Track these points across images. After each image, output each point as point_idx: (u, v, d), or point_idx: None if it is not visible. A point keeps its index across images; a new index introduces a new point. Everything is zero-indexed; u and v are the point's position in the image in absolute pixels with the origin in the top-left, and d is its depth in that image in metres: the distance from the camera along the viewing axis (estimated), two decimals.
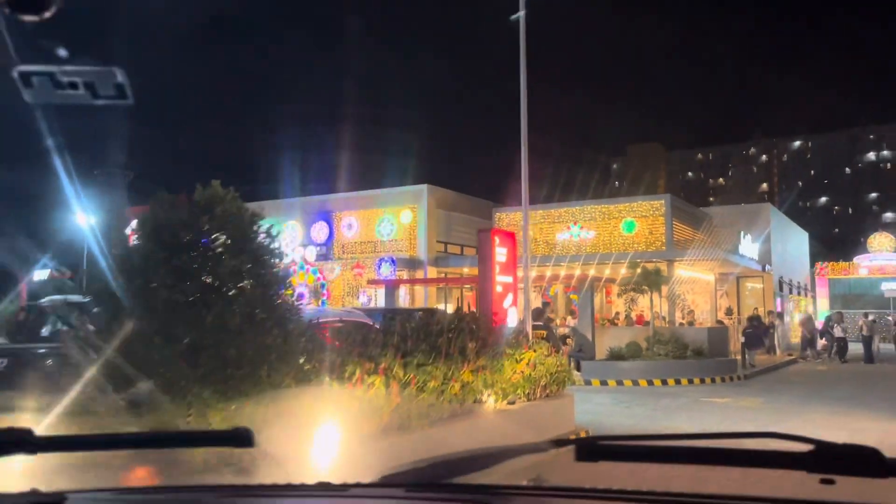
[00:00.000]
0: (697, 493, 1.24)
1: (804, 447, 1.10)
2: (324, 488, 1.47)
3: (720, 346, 20.43)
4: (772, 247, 29.45)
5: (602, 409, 13.08)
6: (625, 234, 23.98)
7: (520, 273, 10.01)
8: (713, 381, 17.26)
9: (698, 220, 25.76)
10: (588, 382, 16.16)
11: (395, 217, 25.72)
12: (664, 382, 16.77)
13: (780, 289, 30.87)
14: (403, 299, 24.46)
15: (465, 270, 25.40)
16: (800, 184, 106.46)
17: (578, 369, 17.25)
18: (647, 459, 1.26)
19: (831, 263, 38.63)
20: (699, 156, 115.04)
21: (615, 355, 17.40)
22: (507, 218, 25.84)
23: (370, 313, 16.52)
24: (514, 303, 9.63)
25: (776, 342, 25.74)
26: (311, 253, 26.42)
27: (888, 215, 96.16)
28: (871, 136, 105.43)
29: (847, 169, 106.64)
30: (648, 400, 14.33)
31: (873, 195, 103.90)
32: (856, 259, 38.10)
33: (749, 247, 26.15)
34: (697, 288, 29.70)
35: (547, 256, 24.46)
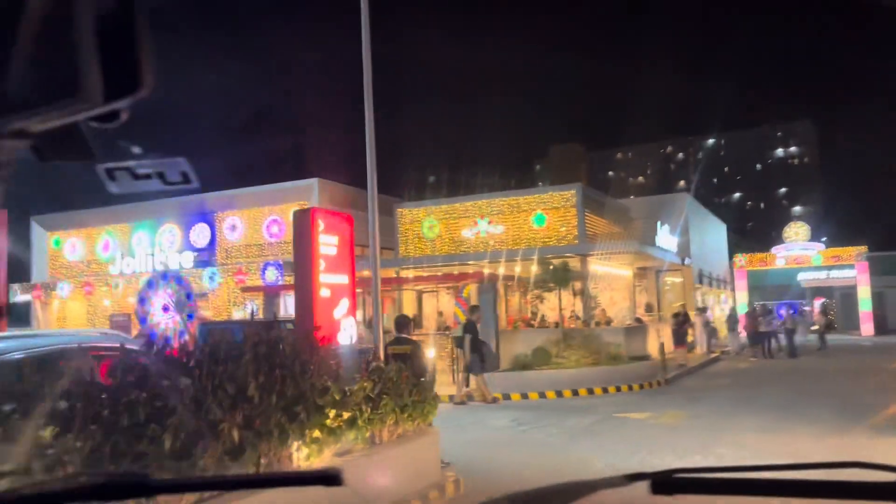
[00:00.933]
0: None
1: (891, 476, 1.06)
2: None
3: (639, 347, 18.28)
4: (690, 238, 27.75)
5: (494, 435, 10.51)
6: (535, 228, 21.66)
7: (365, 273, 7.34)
8: (631, 388, 14.99)
9: (613, 211, 23.69)
10: (506, 398, 13.66)
11: (284, 216, 22.73)
12: (575, 393, 14.39)
13: (700, 282, 29.23)
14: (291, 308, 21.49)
15: (366, 273, 22.61)
16: (715, 180, 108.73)
17: (467, 384, 14.80)
18: (727, 492, 1.16)
19: (749, 255, 37.51)
20: (619, 155, 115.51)
21: (520, 364, 14.91)
22: (410, 214, 23.19)
23: (229, 325, 13.83)
24: (352, 312, 6.94)
25: (705, 339, 23.89)
26: (189, 259, 23.14)
27: (797, 209, 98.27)
28: (779, 134, 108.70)
29: (758, 165, 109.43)
30: (553, 418, 11.88)
31: (783, 190, 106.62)
32: (773, 249, 37.07)
33: (667, 239, 24.24)
34: (616, 284, 27.76)
35: (453, 255, 21.94)
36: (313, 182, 22.14)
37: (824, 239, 42.76)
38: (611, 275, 24.88)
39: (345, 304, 6.72)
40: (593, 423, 11.15)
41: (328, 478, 1.33)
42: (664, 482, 1.17)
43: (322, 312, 6.28)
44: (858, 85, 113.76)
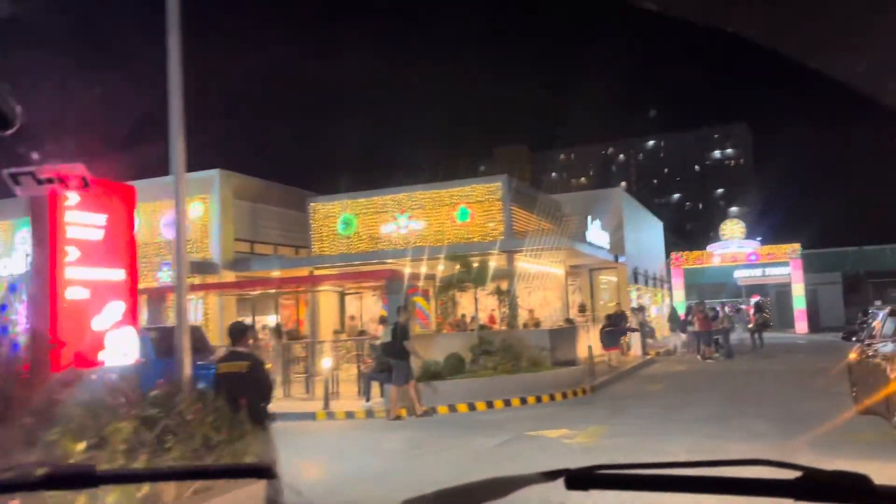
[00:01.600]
0: None
1: (792, 474, 1.07)
2: None
3: (566, 351, 16.69)
4: (625, 235, 26.47)
5: (377, 464, 8.66)
6: (459, 224, 19.95)
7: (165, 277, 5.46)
8: (553, 398, 13.34)
9: (544, 207, 22.14)
10: (411, 414, 11.83)
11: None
12: (490, 405, 12.65)
13: (636, 280, 28.00)
14: (194, 314, 19.27)
15: (277, 274, 20.56)
16: (655, 181, 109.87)
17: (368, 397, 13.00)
18: (636, 488, 1.20)
19: (686, 253, 36.65)
20: (562, 156, 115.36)
21: (430, 373, 13.09)
22: (323, 209, 21.20)
23: None
24: (131, 319, 5.01)
25: (640, 340, 22.54)
26: None
27: (733, 209, 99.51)
28: (717, 136, 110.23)
29: (696, 167, 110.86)
30: (457, 437, 10.11)
31: (720, 191, 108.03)
32: (709, 247, 36.28)
33: (599, 234, 22.84)
34: (548, 284, 26.28)
35: (371, 252, 20.04)
36: (214, 173, 19.95)
37: (759, 238, 42.33)
38: (542, 274, 23.38)
39: (116, 309, 4.80)
40: (501, 445, 9.42)
41: (260, 471, 1.43)
42: (579, 478, 1.21)
43: (70, 321, 4.35)
44: (792, 87, 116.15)
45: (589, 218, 21.68)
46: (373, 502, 6.78)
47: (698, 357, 21.17)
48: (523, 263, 20.54)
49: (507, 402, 12.76)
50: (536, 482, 1.23)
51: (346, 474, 7.99)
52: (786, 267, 35.01)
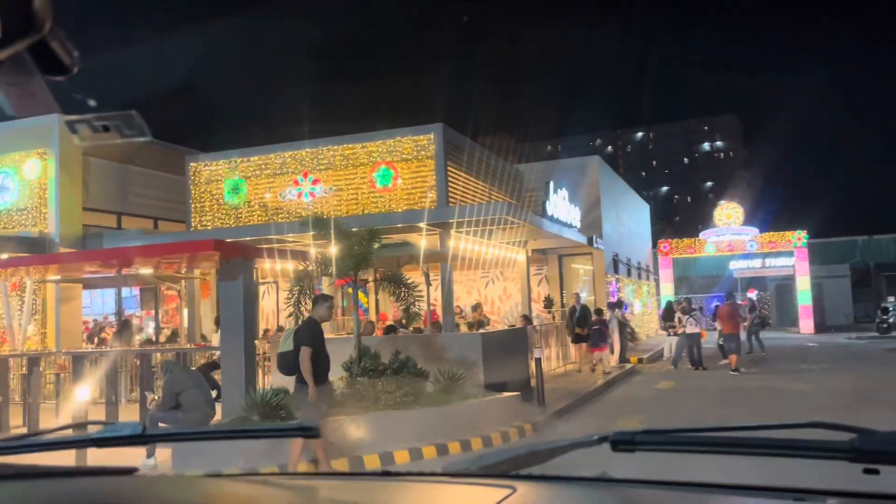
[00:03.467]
0: (754, 486, 1.19)
1: (847, 436, 1.02)
2: (386, 475, 1.52)
3: (510, 366, 11.47)
4: (602, 215, 21.32)
5: None
6: (379, 189, 14.74)
7: None
8: (468, 446, 8.17)
9: (496, 171, 16.94)
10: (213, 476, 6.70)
11: (17, 168, 15.18)
12: (360, 463, 7.47)
13: (616, 270, 22.84)
14: (28, 305, 14.00)
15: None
16: (643, 174, 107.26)
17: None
18: (686, 450, 1.15)
19: (675, 240, 31.54)
20: (549, 147, 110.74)
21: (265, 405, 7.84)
22: (206, 171, 15.93)
23: None
24: None
25: (622, 343, 17.33)
26: None
27: (722, 202, 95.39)
28: (706, 128, 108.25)
29: (685, 159, 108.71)
30: None
31: (709, 184, 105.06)
32: (702, 234, 31.16)
33: (567, 210, 17.59)
34: (508, 272, 21.15)
35: (264, 226, 14.78)
36: (53, 119, 14.57)
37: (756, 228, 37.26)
38: (498, 259, 18.20)
39: None
40: None
41: (306, 429, 1.41)
42: (625, 440, 1.16)
43: None
44: (783, 79, 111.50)
45: (551, 185, 16.36)
46: None
47: (690, 367, 16.03)
48: (468, 244, 15.37)
49: (389, 457, 7.57)
50: (581, 446, 1.20)
51: None
52: (789, 257, 29.95)
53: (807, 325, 29.12)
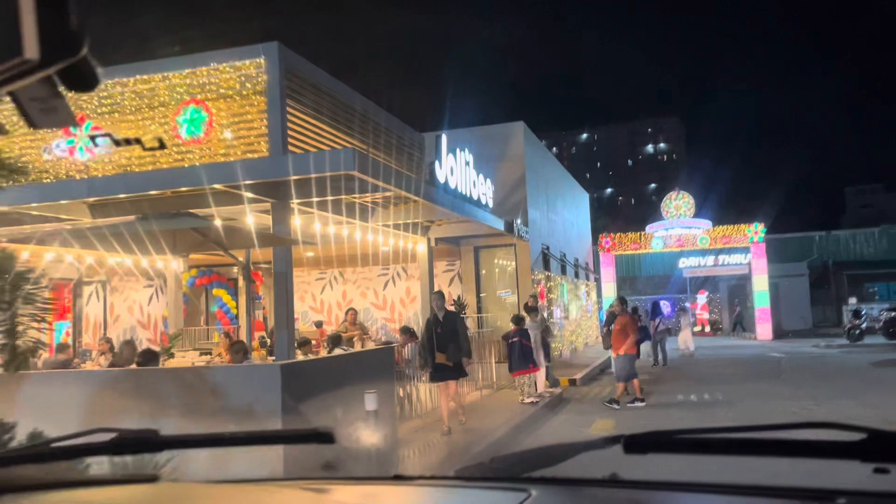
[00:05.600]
0: (765, 486, 1.17)
1: (857, 436, 1.01)
2: (399, 479, 1.47)
3: (349, 414, 6.64)
4: (528, 197, 16.75)
5: None
6: (188, 141, 9.76)
7: None
8: None
9: (377, 128, 12.06)
10: None
11: None
12: None
13: (546, 266, 18.31)
14: None
15: None
16: (588, 175, 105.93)
17: None
18: (697, 452, 1.14)
19: (618, 235, 27.32)
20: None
21: None
22: None
23: None
24: None
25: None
26: None
27: (671, 192, 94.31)
28: (649, 130, 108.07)
29: (629, 161, 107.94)
30: None
31: (652, 185, 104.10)
32: (649, 228, 27.01)
33: (469, 179, 12.73)
34: (410, 267, 16.48)
35: (19, 191, 9.59)
36: None
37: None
38: (385, 249, 13.52)
39: None
40: None
41: (322, 436, 1.37)
42: (637, 442, 1.15)
43: None
44: (723, 82, 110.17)
45: (442, 139, 11.34)
46: None
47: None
48: (326, 225, 10.61)
49: None
50: (593, 448, 1.18)
51: None
52: (745, 254, 26.04)
53: (764, 330, 25.20)
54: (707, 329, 28.72)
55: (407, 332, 10.41)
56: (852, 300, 26.35)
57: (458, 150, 11.40)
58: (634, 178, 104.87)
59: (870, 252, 30.06)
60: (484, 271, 17.09)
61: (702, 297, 28.83)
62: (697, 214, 26.18)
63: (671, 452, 1.13)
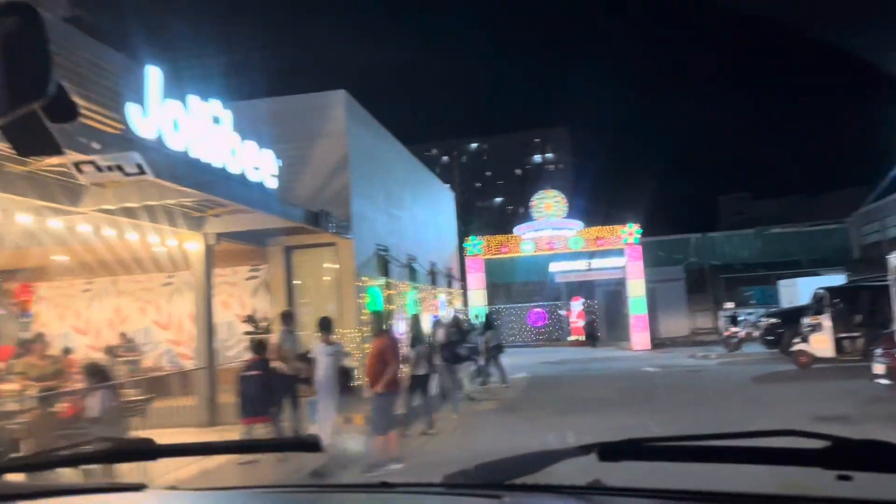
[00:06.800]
0: (732, 493, 1.17)
1: (820, 444, 1.04)
2: (385, 486, 1.45)
3: None
4: (353, 185, 13.33)
5: None
6: None
7: None
8: None
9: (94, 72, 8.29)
10: None
11: None
12: None
13: (384, 271, 14.93)
14: None
15: None
16: (478, 185, 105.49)
17: None
18: (668, 459, 1.19)
19: (487, 237, 24.45)
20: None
21: None
22: None
23: None
24: None
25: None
26: None
27: (541, 191, 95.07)
28: (537, 140, 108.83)
29: (518, 170, 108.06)
30: None
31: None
32: (517, 230, 24.29)
33: (225, 143, 8.98)
34: (175, 275, 12.66)
35: None
36: None
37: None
38: (126, 246, 9.64)
39: None
40: None
41: (308, 444, 1.39)
42: (612, 450, 1.17)
43: None
44: (609, 95, 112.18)
45: (147, 72, 7.59)
46: None
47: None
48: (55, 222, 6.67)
49: None
50: (571, 456, 1.21)
51: None
52: (619, 257, 23.80)
53: (641, 339, 22.98)
54: (582, 338, 26.32)
55: (95, 373, 6.63)
56: (728, 305, 24.62)
57: (192, 99, 7.71)
58: (524, 187, 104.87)
59: (745, 254, 28.77)
60: (298, 280, 13.49)
61: (577, 304, 26.45)
62: (586, 223, 23.79)
63: (644, 460, 1.16)
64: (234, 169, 8.32)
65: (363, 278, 13.44)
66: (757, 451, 1.09)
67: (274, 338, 9.22)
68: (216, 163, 8.01)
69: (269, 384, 7.55)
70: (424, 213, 19.96)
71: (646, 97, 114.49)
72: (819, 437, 1.04)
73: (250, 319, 11.82)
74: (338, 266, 13.32)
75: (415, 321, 11.62)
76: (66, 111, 0.97)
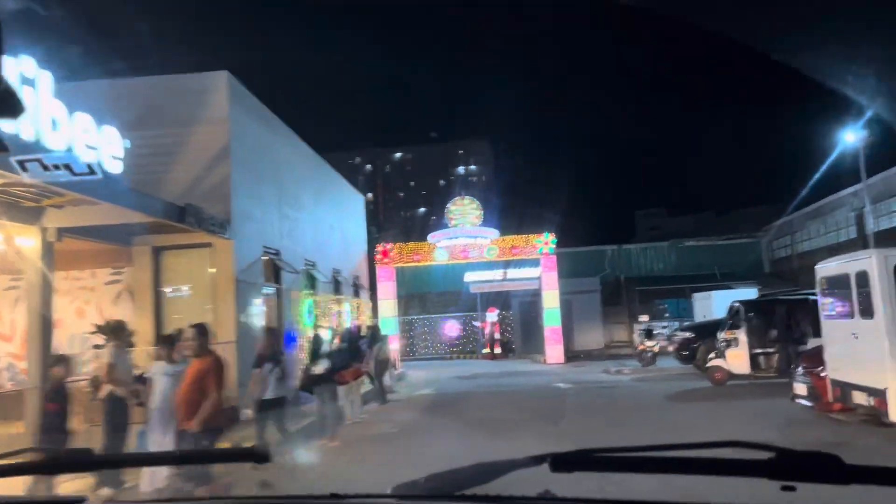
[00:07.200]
0: (683, 503, 1.18)
1: (765, 454, 1.05)
2: (336, 498, 1.41)
3: None
4: (235, 177, 11.71)
5: None
6: None
7: None
8: None
9: None
10: None
11: None
12: None
13: (274, 277, 13.31)
14: None
15: None
16: (402, 194, 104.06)
17: None
18: (619, 470, 1.20)
19: (399, 245, 23.08)
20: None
21: None
22: None
23: None
24: None
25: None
26: None
27: (456, 198, 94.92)
28: (461, 151, 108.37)
29: (441, 181, 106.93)
30: None
31: None
32: (431, 237, 23.06)
33: (46, 113, 7.34)
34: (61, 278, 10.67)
35: None
36: None
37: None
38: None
39: None
40: None
41: (257, 455, 1.36)
42: (564, 461, 1.16)
43: None
44: (533, 107, 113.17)
45: None
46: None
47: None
48: None
49: None
50: (522, 466, 1.20)
51: None
52: (535, 267, 22.92)
53: (555, 352, 22.11)
54: (497, 351, 25.29)
55: None
56: (643, 318, 24.18)
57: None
58: (447, 198, 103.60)
59: (660, 267, 28.57)
60: (168, 286, 11.72)
61: (492, 315, 25.41)
62: (506, 234, 22.76)
63: (595, 471, 1.15)
64: (53, 144, 6.65)
65: (246, 284, 11.80)
66: (705, 463, 1.09)
67: (104, 356, 7.53)
68: (25, 135, 6.33)
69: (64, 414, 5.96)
70: (329, 216, 18.42)
71: (567, 113, 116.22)
72: (764, 448, 1.06)
73: (105, 330, 9.98)
74: (214, 270, 11.64)
75: (315, 338, 10.61)
76: (10, 107, 0.99)
